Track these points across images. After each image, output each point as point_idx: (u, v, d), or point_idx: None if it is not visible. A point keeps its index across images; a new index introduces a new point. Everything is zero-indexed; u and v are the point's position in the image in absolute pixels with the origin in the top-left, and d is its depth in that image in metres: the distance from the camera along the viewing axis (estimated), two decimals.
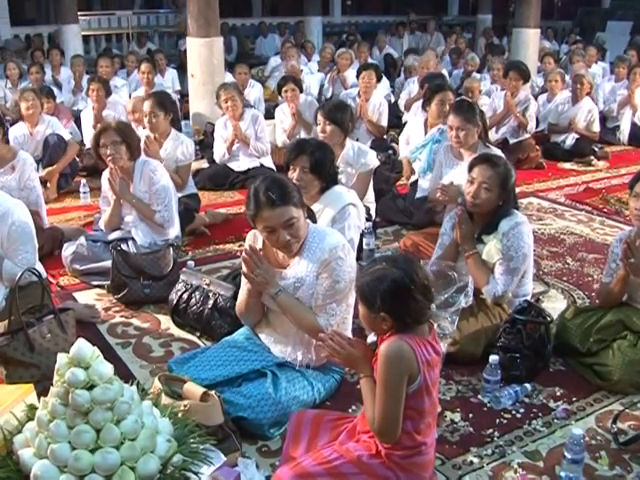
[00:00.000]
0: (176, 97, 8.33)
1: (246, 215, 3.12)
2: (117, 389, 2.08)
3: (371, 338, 3.61)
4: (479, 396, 3.33)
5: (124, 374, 3.31)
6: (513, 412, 3.22)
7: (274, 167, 6.82)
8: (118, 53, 13.94)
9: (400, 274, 2.37)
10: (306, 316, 3.11)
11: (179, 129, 5.81)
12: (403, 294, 2.36)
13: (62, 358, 2.09)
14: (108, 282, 4.41)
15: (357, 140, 5.82)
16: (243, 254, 3.15)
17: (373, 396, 2.44)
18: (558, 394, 3.37)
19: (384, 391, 2.35)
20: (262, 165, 6.78)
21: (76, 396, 2.01)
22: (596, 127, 8.15)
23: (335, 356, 2.58)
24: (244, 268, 3.14)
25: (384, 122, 7.71)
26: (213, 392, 2.80)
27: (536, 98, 8.53)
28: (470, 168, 3.78)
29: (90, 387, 2.04)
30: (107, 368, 2.10)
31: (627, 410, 3.20)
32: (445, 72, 9.97)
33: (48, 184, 6.49)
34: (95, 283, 4.57)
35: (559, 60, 12.91)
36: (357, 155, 5.03)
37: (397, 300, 2.36)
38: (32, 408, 2.27)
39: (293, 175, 4.00)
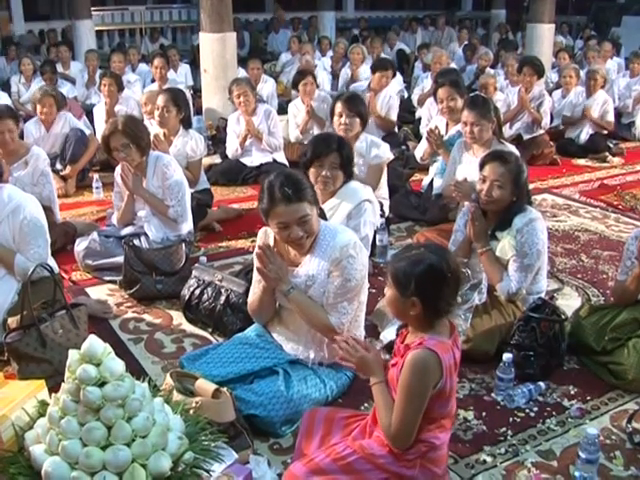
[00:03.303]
0: (189, 93, 8.31)
1: (259, 209, 3.11)
2: (128, 386, 2.07)
3: (384, 337, 3.61)
4: (492, 394, 3.31)
5: (136, 370, 3.31)
6: (527, 411, 3.19)
7: (287, 162, 6.82)
8: None
9: (437, 259, 2.37)
10: (318, 314, 3.09)
11: (190, 127, 5.78)
12: (438, 280, 2.36)
13: (73, 355, 2.09)
14: (120, 277, 4.41)
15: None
16: (256, 249, 3.14)
17: (387, 402, 2.43)
18: (572, 393, 3.34)
19: (406, 400, 2.34)
20: (275, 160, 6.77)
21: (87, 393, 2.01)
22: (610, 117, 8.08)
23: (348, 359, 2.57)
24: (257, 263, 3.12)
25: (393, 116, 7.67)
26: (225, 389, 2.79)
27: (550, 94, 8.47)
28: (481, 166, 3.75)
29: (101, 384, 2.04)
30: (118, 365, 2.09)
31: None
32: (454, 66, 9.94)
33: (68, 179, 6.52)
34: (107, 278, 4.58)
35: (574, 55, 12.83)
36: (369, 147, 5.02)
37: (431, 285, 2.35)
38: (44, 404, 2.27)
39: (320, 171, 4.00)
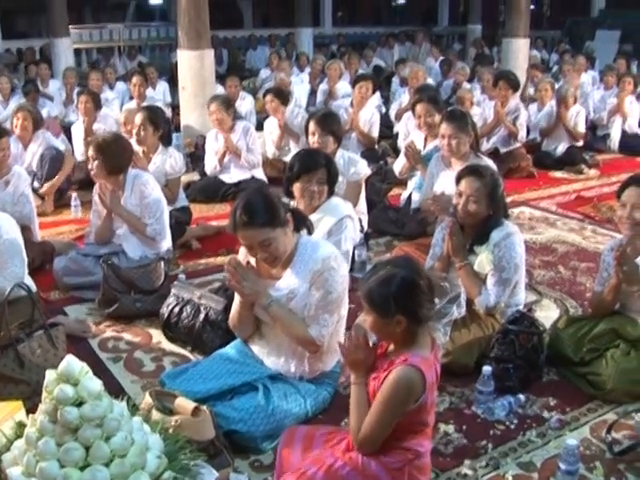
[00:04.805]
0: (167, 110, 8.29)
1: None
2: (106, 405, 2.06)
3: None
4: (472, 407, 3.31)
5: (115, 389, 3.28)
6: (507, 423, 3.20)
7: (265, 179, 6.82)
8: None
9: (406, 271, 2.40)
10: (298, 326, 3.09)
11: (169, 144, 5.77)
12: (414, 290, 2.38)
13: (51, 374, 2.07)
14: (99, 296, 4.37)
15: (348, 150, 5.82)
16: (226, 266, 3.14)
17: (362, 406, 2.45)
18: (552, 404, 3.36)
19: (382, 412, 2.36)
20: (253, 177, 6.76)
21: (65, 413, 1.99)
22: (581, 128, 8.16)
23: (348, 354, 2.55)
24: (230, 280, 3.12)
25: (375, 133, 7.73)
26: (204, 407, 2.78)
27: (527, 107, 8.54)
28: (457, 180, 3.77)
29: (79, 404, 2.02)
30: (96, 384, 2.08)
31: (621, 419, 3.18)
32: (431, 81, 10.04)
33: (45, 198, 6.47)
34: (86, 297, 4.54)
35: (550, 69, 12.95)
36: (347, 164, 5.04)
37: (410, 297, 2.37)
38: (21, 425, 2.24)
39: (307, 185, 4.02)
